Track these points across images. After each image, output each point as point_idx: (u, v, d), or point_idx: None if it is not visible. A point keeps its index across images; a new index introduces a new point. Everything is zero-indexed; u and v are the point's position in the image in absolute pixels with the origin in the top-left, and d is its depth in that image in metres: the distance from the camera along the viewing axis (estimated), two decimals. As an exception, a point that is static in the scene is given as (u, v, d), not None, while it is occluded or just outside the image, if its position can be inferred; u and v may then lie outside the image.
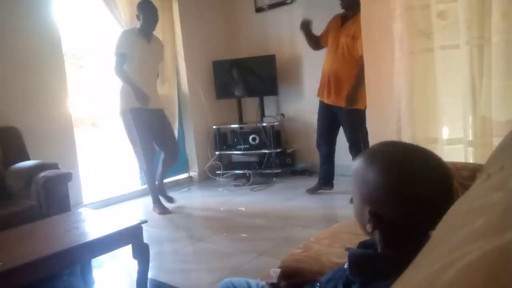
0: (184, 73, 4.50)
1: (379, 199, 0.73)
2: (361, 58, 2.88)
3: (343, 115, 3.29)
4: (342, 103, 3.23)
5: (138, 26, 3.43)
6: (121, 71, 3.32)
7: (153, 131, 3.45)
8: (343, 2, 3.26)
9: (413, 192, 0.69)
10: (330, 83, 3.28)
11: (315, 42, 3.52)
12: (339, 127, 3.46)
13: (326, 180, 3.58)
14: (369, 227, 0.74)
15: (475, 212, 0.46)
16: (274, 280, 1.04)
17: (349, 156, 3.38)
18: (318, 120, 3.54)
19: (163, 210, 3.45)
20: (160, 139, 3.54)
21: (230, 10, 4.91)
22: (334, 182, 3.60)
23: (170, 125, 3.69)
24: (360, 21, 2.84)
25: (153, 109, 3.44)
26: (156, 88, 3.61)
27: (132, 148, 3.54)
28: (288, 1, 4.44)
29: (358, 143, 3.28)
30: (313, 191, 3.60)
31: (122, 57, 3.32)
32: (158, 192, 3.59)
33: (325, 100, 3.37)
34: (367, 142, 3.18)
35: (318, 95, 3.46)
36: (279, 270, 1.11)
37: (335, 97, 3.28)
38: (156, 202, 3.52)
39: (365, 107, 3.10)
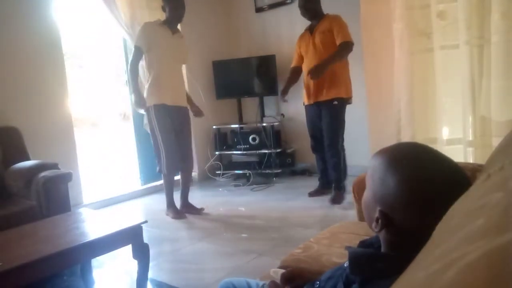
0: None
1: (393, 204, 0.71)
2: (342, 45, 3.10)
3: (325, 108, 3.27)
4: (331, 95, 3.23)
5: (163, 19, 3.32)
6: (132, 68, 3.19)
7: (175, 130, 3.26)
8: (307, 13, 3.35)
9: (431, 205, 0.67)
10: (310, 84, 3.30)
11: (296, 74, 3.55)
12: None
13: (326, 183, 3.55)
14: (376, 226, 0.73)
15: (475, 212, 0.46)
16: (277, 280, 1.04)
17: (349, 155, 3.38)
18: (308, 126, 3.54)
19: (178, 215, 3.31)
20: (178, 140, 3.30)
21: (230, 10, 4.91)
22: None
23: (190, 128, 3.44)
24: (329, 19, 3.17)
25: (178, 106, 3.27)
26: (182, 83, 3.39)
27: (153, 146, 3.36)
28: (288, 1, 4.44)
29: (337, 145, 3.29)
30: (315, 194, 3.57)
31: (138, 51, 3.18)
32: (184, 208, 3.42)
33: (311, 101, 3.37)
34: (342, 138, 3.34)
35: (305, 100, 3.47)
36: (279, 270, 1.11)
37: (316, 93, 3.29)
38: (171, 206, 3.38)
39: (347, 95, 3.26)
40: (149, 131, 3.39)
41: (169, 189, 3.39)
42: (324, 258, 1.31)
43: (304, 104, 3.52)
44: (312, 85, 3.29)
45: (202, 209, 3.46)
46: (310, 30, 3.37)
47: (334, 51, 3.16)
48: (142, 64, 3.34)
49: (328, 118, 3.29)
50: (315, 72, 3.10)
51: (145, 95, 3.26)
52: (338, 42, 3.15)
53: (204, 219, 3.37)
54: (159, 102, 3.19)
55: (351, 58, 3.43)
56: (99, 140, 6.83)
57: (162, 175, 3.39)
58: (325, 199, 3.46)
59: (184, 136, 3.37)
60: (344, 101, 3.29)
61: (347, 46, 3.14)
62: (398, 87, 2.07)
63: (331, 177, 3.44)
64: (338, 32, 3.17)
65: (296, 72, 3.55)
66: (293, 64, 3.58)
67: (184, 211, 3.40)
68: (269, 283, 1.03)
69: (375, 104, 2.33)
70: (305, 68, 3.37)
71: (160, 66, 3.21)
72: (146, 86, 3.26)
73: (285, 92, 3.51)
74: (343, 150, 3.42)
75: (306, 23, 4.53)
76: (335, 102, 3.24)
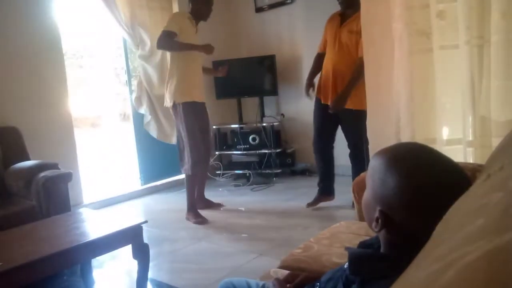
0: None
1: (393, 204, 0.71)
2: (361, 59, 2.56)
3: (349, 117, 3.00)
4: (350, 105, 2.96)
5: (189, 11, 3.21)
6: (169, 41, 3.01)
7: (200, 128, 3.19)
8: (343, 3, 3.02)
9: (431, 205, 0.67)
10: (337, 84, 3.00)
11: (321, 62, 3.20)
12: (337, 130, 3.22)
13: (327, 189, 3.28)
14: (376, 226, 0.73)
15: (475, 212, 0.46)
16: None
17: (348, 156, 3.37)
18: (315, 121, 3.26)
19: (200, 220, 3.16)
20: (202, 134, 3.22)
21: (230, 10, 4.91)
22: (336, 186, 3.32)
23: (210, 121, 3.38)
24: (360, 18, 2.59)
25: (202, 102, 3.21)
26: (202, 80, 3.29)
27: (177, 145, 3.29)
28: (288, 1, 4.44)
29: (361, 147, 2.95)
30: (313, 204, 3.27)
31: (171, 35, 3.00)
32: (199, 200, 3.37)
33: (328, 102, 3.09)
34: (367, 147, 2.87)
35: (318, 94, 3.20)
36: (279, 270, 1.11)
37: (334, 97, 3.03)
38: (193, 210, 3.24)
39: (362, 108, 2.82)
40: (176, 129, 3.27)
41: (192, 191, 3.28)
42: (324, 258, 1.31)
43: (315, 98, 3.24)
44: (340, 87, 2.99)
45: (220, 204, 3.47)
46: (341, 18, 3.03)
47: (353, 66, 2.88)
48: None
49: (349, 127, 3.10)
50: (336, 106, 2.93)
51: (169, 91, 3.12)
52: (360, 53, 2.67)
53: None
54: (190, 100, 3.09)
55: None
56: (99, 140, 6.83)
57: (185, 175, 3.27)
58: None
59: (208, 134, 3.33)
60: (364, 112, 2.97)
61: (361, 64, 2.68)
62: (397, 87, 2.07)
63: (332, 182, 3.25)
64: (359, 43, 2.76)
65: (321, 60, 3.22)
66: (319, 50, 3.28)
67: (201, 206, 3.36)
68: (274, 281, 1.03)
69: (375, 104, 2.33)
70: (327, 64, 3.11)
71: (189, 61, 3.11)
72: (172, 82, 3.10)
73: (309, 85, 3.23)
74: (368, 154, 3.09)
75: (307, 23, 4.49)
76: (356, 113, 2.88)
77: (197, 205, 3.31)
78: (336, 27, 3.02)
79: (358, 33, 2.72)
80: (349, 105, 2.96)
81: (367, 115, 2.36)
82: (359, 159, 3.06)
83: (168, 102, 3.17)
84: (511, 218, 0.38)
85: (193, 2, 3.19)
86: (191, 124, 3.10)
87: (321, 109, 3.19)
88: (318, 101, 3.22)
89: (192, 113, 3.11)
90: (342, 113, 3.02)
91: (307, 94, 3.28)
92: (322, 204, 3.28)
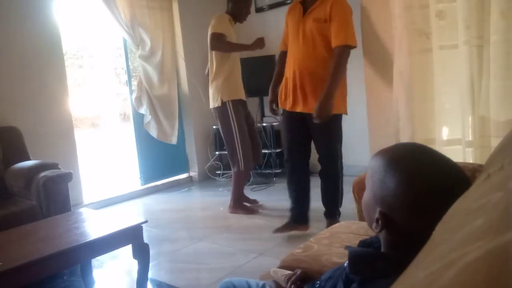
0: (184, 73, 4.50)
1: (393, 205, 0.71)
2: (338, 49, 2.32)
3: (321, 124, 2.39)
4: (308, 107, 2.45)
5: (227, 11, 3.28)
6: (224, 42, 3.09)
7: (248, 123, 3.30)
8: None
9: (431, 205, 0.67)
10: (304, 84, 2.44)
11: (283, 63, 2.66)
12: (311, 142, 2.63)
13: (301, 216, 2.65)
14: (376, 226, 0.73)
15: (475, 212, 0.46)
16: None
17: (349, 155, 3.34)
18: (284, 136, 2.68)
19: (251, 210, 3.30)
20: (250, 130, 3.32)
21: (230, 10, 4.90)
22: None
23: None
24: (330, 1, 2.31)
25: (245, 100, 3.32)
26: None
27: (226, 144, 3.29)
28: (288, 1, 4.44)
29: (336, 163, 2.55)
30: (282, 230, 2.65)
31: (222, 36, 3.11)
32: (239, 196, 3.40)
33: (297, 109, 2.49)
34: (341, 156, 2.61)
35: (282, 104, 2.61)
36: (279, 270, 1.12)
37: (313, 102, 2.39)
38: (239, 203, 3.32)
39: (344, 112, 2.51)
40: (222, 128, 3.25)
41: (242, 187, 3.37)
42: (324, 258, 1.31)
43: (279, 108, 2.68)
44: (308, 88, 2.45)
45: (255, 201, 3.51)
46: (304, 6, 2.46)
47: (330, 60, 2.36)
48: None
49: (320, 135, 2.52)
50: (321, 114, 2.32)
51: (217, 91, 3.19)
52: (335, 43, 2.33)
53: (204, 219, 3.37)
54: (237, 98, 3.18)
55: (351, 57, 3.40)
56: (99, 140, 6.83)
57: (236, 172, 3.30)
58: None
59: (255, 129, 3.44)
60: (339, 117, 2.50)
61: (344, 53, 2.34)
62: (397, 87, 2.07)
63: (307, 208, 2.65)
64: (338, 29, 2.33)
65: (286, 59, 2.64)
66: (281, 47, 2.70)
67: (242, 200, 3.41)
68: (271, 283, 1.03)
69: (375, 104, 2.33)
70: (289, 58, 2.53)
71: (235, 61, 3.25)
72: (219, 81, 3.19)
73: (274, 96, 2.68)
74: (342, 169, 2.65)
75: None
76: (333, 121, 2.45)
77: (236, 209, 3.36)
78: (298, 17, 2.46)
79: (328, 20, 2.34)
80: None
81: (368, 116, 2.35)
82: (333, 179, 2.58)
83: (215, 102, 3.20)
84: (511, 218, 0.38)
85: (234, 2, 3.25)
86: (241, 121, 3.19)
87: (289, 120, 2.60)
88: (283, 112, 2.63)
89: (241, 110, 3.21)
90: (310, 118, 2.42)
91: (273, 110, 2.73)
92: (322, 205, 3.19)
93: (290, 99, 2.51)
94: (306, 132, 2.54)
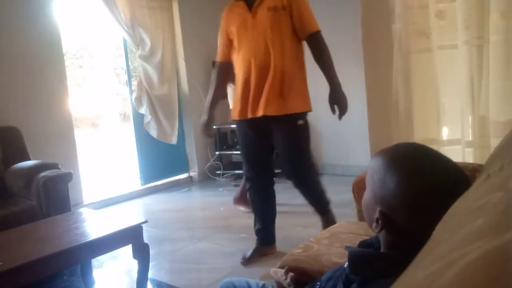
0: (184, 73, 4.50)
1: (393, 204, 0.71)
2: (316, 34, 2.12)
3: (283, 127, 2.17)
4: (283, 109, 2.13)
5: None
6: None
7: None
8: None
9: (431, 205, 0.67)
10: (274, 80, 2.11)
11: (227, 74, 2.38)
12: (273, 154, 2.38)
13: (268, 237, 2.42)
14: (376, 226, 0.73)
15: (475, 212, 0.46)
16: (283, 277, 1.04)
17: (349, 155, 3.33)
18: (244, 151, 2.36)
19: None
20: None
21: (230, 10, 4.90)
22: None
23: None
24: None
25: None
26: None
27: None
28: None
29: (304, 170, 2.26)
30: (252, 259, 2.34)
31: None
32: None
33: (258, 114, 2.15)
34: (316, 171, 2.40)
35: (239, 115, 2.22)
36: (279, 270, 1.12)
37: (277, 102, 2.12)
38: (245, 195, 2.96)
39: (308, 109, 2.21)
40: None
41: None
42: (324, 258, 1.31)
43: (237, 122, 2.31)
44: (256, 90, 2.13)
45: None
46: (246, 2, 2.17)
47: (291, 49, 2.13)
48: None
49: (287, 141, 2.20)
50: (343, 107, 2.12)
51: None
52: (309, 30, 2.11)
53: (204, 219, 3.37)
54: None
55: (351, 57, 3.40)
56: (99, 140, 6.84)
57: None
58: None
59: None
60: (305, 115, 2.21)
61: (322, 38, 2.15)
62: (397, 87, 2.07)
63: (273, 224, 2.44)
64: (307, 15, 2.12)
65: (226, 72, 2.33)
66: (221, 57, 2.33)
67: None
68: (271, 283, 1.04)
69: (375, 104, 2.33)
70: (244, 58, 2.17)
71: None
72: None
73: (211, 117, 2.33)
74: (317, 173, 2.43)
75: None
76: (299, 121, 2.17)
77: (241, 202, 3.28)
78: (245, 13, 2.16)
79: (286, 7, 2.08)
80: (282, 108, 2.13)
81: (368, 116, 2.35)
82: (309, 185, 2.32)
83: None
84: (511, 218, 0.38)
85: None
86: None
87: (248, 131, 2.26)
88: (240, 124, 2.29)
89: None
90: (274, 123, 2.16)
91: (207, 132, 2.36)
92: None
93: (249, 106, 2.16)
94: (266, 143, 2.26)
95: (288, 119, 2.14)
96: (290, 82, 2.13)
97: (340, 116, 2.15)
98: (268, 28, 2.10)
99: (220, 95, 2.33)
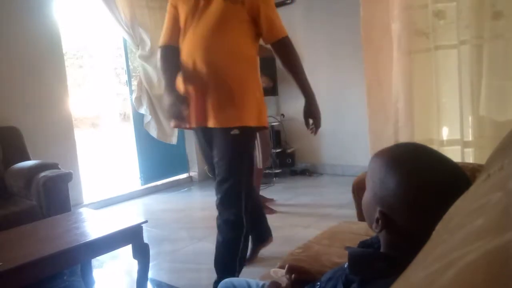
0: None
1: (394, 205, 0.71)
2: (284, 39, 1.88)
3: (223, 141, 1.81)
4: (224, 121, 1.79)
5: None
6: None
7: None
8: None
9: (431, 205, 0.67)
10: (207, 91, 1.78)
11: (176, 58, 1.89)
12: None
13: (263, 234, 2.40)
14: (376, 226, 0.73)
15: (475, 212, 0.46)
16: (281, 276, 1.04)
17: (349, 155, 3.33)
18: (206, 158, 2.00)
19: (269, 210, 3.26)
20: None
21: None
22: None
23: None
24: None
25: None
26: None
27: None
28: (288, 1, 4.44)
29: (240, 194, 1.84)
30: (252, 258, 2.36)
31: None
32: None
33: (208, 124, 1.80)
34: (255, 199, 2.18)
35: (188, 120, 1.83)
36: (279, 270, 1.12)
37: (222, 112, 1.78)
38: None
39: (261, 124, 1.89)
40: None
41: (258, 185, 3.30)
42: (324, 258, 1.31)
43: (195, 129, 1.94)
44: (203, 93, 1.79)
45: (273, 199, 3.50)
46: None
47: (244, 51, 1.82)
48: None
49: (221, 154, 1.82)
50: (318, 123, 1.91)
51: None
52: (274, 37, 1.85)
53: (204, 219, 3.36)
54: None
55: (351, 57, 3.40)
56: (99, 140, 6.84)
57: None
58: (325, 197, 3.45)
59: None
60: (251, 131, 1.85)
61: (291, 43, 1.91)
62: (396, 87, 2.07)
63: (264, 221, 2.39)
64: (272, 21, 1.86)
65: (174, 56, 1.89)
66: (166, 41, 1.94)
67: None
68: (270, 283, 1.04)
69: (375, 104, 2.33)
70: (188, 51, 1.82)
71: None
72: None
73: (179, 99, 1.77)
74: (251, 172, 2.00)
75: (307, 23, 4.48)
76: (235, 132, 1.77)
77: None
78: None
79: (244, 3, 1.77)
80: (222, 121, 1.77)
81: (368, 116, 2.34)
82: (231, 236, 1.91)
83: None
84: (511, 218, 0.38)
85: None
86: None
87: (204, 137, 1.93)
88: (195, 131, 1.97)
89: None
90: (215, 134, 1.83)
91: (178, 112, 1.76)
92: (322, 204, 3.23)
93: (194, 111, 1.81)
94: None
95: (222, 131, 1.79)
96: (231, 92, 1.77)
97: (316, 131, 1.92)
98: (222, 21, 1.76)
99: (175, 77, 1.89)
